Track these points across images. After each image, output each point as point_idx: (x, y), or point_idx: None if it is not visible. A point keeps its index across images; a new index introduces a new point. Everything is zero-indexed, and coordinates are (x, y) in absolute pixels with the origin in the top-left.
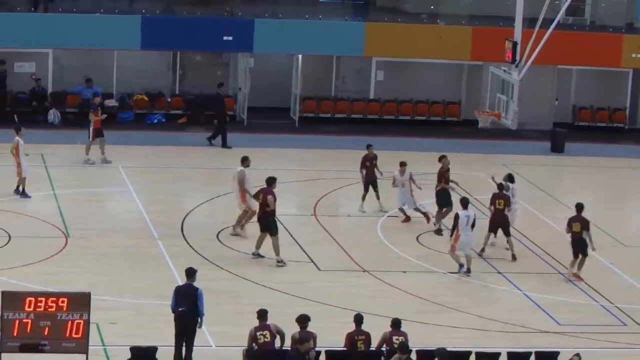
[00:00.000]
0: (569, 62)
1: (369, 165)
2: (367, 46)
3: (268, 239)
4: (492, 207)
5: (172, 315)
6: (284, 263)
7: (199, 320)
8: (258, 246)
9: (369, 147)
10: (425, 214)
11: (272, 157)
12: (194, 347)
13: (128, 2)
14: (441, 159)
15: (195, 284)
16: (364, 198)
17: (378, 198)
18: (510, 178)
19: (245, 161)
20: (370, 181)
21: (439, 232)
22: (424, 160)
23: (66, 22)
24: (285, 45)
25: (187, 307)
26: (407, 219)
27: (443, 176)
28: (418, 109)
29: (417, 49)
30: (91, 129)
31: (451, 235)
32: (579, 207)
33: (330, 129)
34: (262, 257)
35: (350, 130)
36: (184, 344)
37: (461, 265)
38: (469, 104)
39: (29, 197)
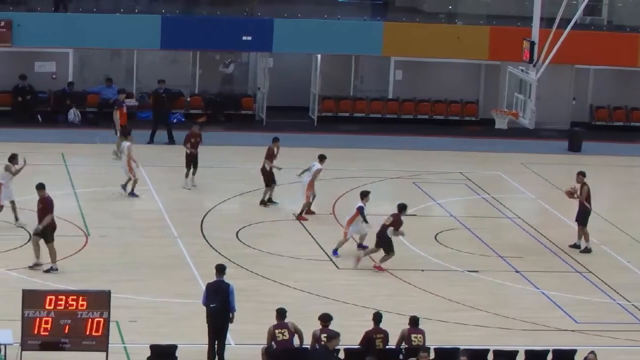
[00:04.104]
0: (586, 62)
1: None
2: (385, 46)
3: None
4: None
5: (199, 312)
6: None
7: (231, 315)
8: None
9: (275, 140)
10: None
11: (291, 156)
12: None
13: (148, 2)
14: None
15: None
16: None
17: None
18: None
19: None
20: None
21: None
22: (442, 159)
23: (87, 22)
24: (304, 45)
25: (219, 303)
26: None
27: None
28: (436, 108)
29: (435, 48)
30: (118, 125)
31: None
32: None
33: (349, 128)
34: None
35: (369, 129)
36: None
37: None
38: (487, 103)
39: (137, 196)
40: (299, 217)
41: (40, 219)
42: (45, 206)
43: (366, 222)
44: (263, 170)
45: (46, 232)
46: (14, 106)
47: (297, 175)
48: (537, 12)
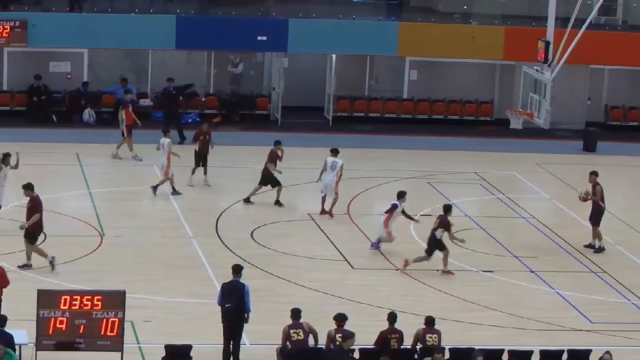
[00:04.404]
0: (601, 62)
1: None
2: (400, 46)
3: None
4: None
5: (213, 312)
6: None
7: (246, 316)
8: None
9: (277, 143)
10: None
11: (306, 156)
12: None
13: (163, 2)
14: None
15: None
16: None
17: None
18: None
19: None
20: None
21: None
22: (457, 159)
23: (101, 22)
24: (319, 45)
25: (233, 303)
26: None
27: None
28: (451, 108)
29: (450, 48)
30: (124, 125)
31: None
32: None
33: (364, 128)
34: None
35: (384, 129)
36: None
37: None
38: (502, 103)
39: (180, 194)
40: (328, 213)
41: (29, 219)
42: (34, 206)
43: (386, 217)
44: (265, 170)
45: (30, 232)
46: (29, 106)
47: (317, 182)
48: (552, 12)
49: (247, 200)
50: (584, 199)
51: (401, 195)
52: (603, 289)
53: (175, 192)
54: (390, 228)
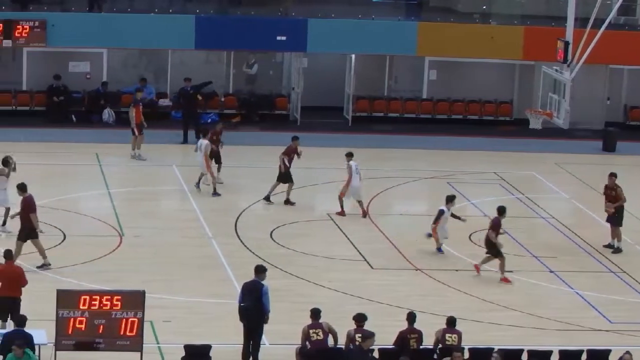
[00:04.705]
0: (620, 62)
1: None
2: (419, 46)
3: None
4: None
5: (233, 312)
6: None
7: (266, 317)
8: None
9: (294, 139)
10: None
11: (325, 156)
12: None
13: (182, 2)
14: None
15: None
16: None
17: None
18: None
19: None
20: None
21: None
22: (476, 159)
23: (121, 22)
24: (339, 45)
25: (251, 303)
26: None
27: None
28: (470, 108)
29: (469, 48)
30: (134, 124)
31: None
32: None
33: (383, 128)
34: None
35: (403, 129)
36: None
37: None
38: (521, 103)
39: (219, 195)
40: (364, 211)
41: (23, 219)
42: (26, 206)
43: (434, 224)
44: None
45: (28, 232)
46: (48, 106)
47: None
48: (571, 12)
49: (267, 199)
50: (610, 211)
51: (449, 199)
52: (622, 289)
53: (215, 193)
54: (440, 234)
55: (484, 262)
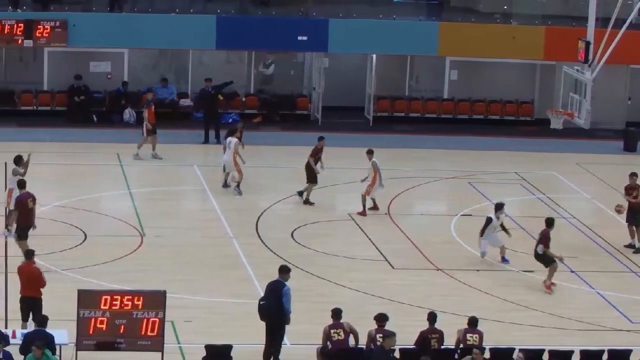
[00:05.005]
0: None
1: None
2: (440, 46)
3: None
4: None
5: (254, 312)
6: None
7: (286, 317)
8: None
9: (320, 139)
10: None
11: (346, 156)
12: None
13: (203, 2)
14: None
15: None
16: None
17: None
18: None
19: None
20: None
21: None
22: (497, 159)
23: (142, 22)
24: (360, 45)
25: (269, 302)
26: (374, 207)
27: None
28: (491, 108)
29: (490, 48)
30: (146, 124)
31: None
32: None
33: (404, 128)
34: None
35: (424, 129)
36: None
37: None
38: (542, 103)
39: (240, 193)
40: (375, 208)
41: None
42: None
43: (481, 235)
44: (307, 166)
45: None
46: (69, 106)
47: (362, 181)
48: (592, 12)
49: (306, 202)
50: (619, 212)
51: (498, 207)
52: None
53: (237, 188)
54: (485, 244)
55: (550, 277)
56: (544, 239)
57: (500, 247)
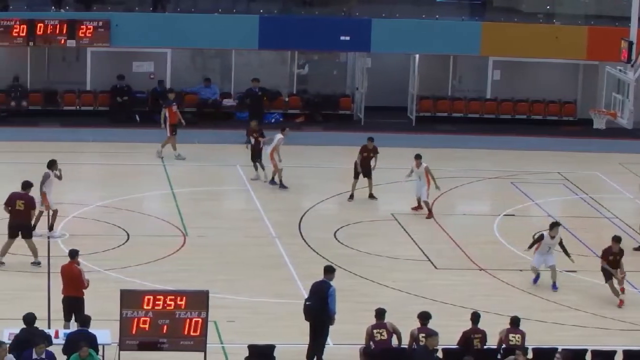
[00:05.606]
0: None
1: (365, 156)
2: (483, 46)
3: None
4: None
5: (296, 312)
6: None
7: (330, 318)
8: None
9: (370, 140)
10: (429, 210)
11: (389, 156)
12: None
13: (246, 2)
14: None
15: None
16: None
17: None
18: None
19: None
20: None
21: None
22: (540, 159)
23: (185, 22)
24: (402, 45)
25: (314, 302)
26: (419, 207)
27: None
28: (534, 108)
29: (533, 48)
30: (167, 124)
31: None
32: None
33: (447, 128)
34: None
35: (467, 129)
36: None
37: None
38: (585, 103)
39: (286, 188)
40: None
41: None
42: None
43: (529, 248)
44: (362, 163)
45: (18, 229)
46: (112, 106)
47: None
48: (635, 12)
49: (371, 196)
50: None
51: (553, 225)
52: None
53: (273, 181)
54: (538, 260)
55: (620, 289)
56: (603, 253)
57: (551, 267)
